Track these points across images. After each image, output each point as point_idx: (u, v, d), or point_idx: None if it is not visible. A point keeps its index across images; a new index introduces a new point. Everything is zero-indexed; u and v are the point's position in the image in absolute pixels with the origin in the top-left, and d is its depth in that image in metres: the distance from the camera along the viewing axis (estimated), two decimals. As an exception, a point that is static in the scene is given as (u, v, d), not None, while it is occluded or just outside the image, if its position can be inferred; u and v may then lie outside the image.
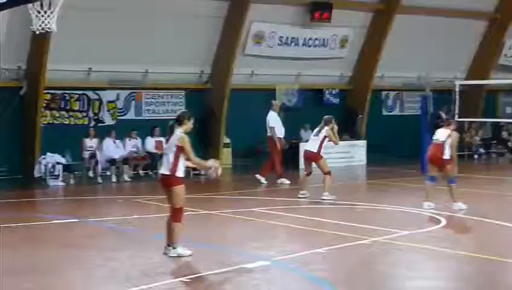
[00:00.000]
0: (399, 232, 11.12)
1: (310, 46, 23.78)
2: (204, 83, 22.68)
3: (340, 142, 23.01)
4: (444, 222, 12.22)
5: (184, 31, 21.15)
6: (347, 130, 24.43)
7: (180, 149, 9.44)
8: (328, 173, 15.27)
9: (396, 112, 26.92)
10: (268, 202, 14.85)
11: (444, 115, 24.00)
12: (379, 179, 19.65)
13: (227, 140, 22.69)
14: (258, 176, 18.33)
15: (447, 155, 13.28)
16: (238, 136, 22.62)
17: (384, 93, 26.64)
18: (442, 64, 25.14)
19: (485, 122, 26.56)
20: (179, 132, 9.55)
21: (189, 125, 9.67)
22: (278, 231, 11.72)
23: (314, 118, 22.51)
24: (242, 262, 9.25)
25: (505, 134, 27.13)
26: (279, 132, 18.46)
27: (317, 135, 15.40)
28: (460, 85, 21.06)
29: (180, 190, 9.51)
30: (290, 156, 22.19)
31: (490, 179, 19.60)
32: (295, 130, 23.33)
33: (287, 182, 18.05)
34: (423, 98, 21.01)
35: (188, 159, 9.55)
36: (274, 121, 18.38)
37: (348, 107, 25.31)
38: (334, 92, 24.97)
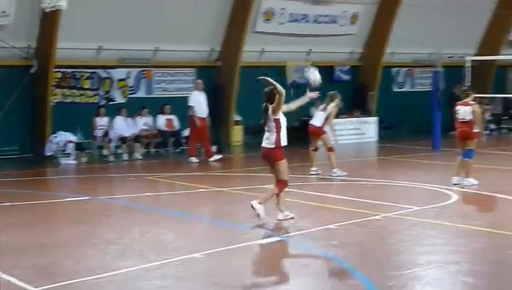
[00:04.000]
0: (410, 208, 11.13)
1: (320, 22, 23.68)
2: (214, 61, 22.65)
3: (352, 118, 23.35)
4: (455, 197, 12.22)
5: (194, 9, 21.11)
6: (358, 107, 24.43)
7: (278, 122, 10.09)
8: (331, 149, 15.32)
9: (407, 88, 26.85)
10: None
11: (457, 93, 23.94)
12: (390, 155, 19.63)
13: (238, 117, 22.71)
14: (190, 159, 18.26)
15: (476, 129, 13.38)
16: (249, 113, 22.59)
17: (394, 69, 26.55)
18: (453, 40, 25.00)
19: (496, 98, 26.45)
20: (271, 107, 10.12)
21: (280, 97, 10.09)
22: (289, 208, 11.73)
23: (325, 95, 22.51)
24: (254, 238, 9.32)
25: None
26: (201, 111, 18.30)
27: (323, 110, 15.45)
28: (472, 61, 20.97)
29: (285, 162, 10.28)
30: (301, 133, 22.21)
31: (501, 154, 19.54)
32: (306, 108, 23.27)
33: (196, 160, 18.02)
34: (434, 74, 20.92)
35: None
36: (194, 100, 18.22)
37: (359, 84, 25.26)
38: (344, 68, 24.91)
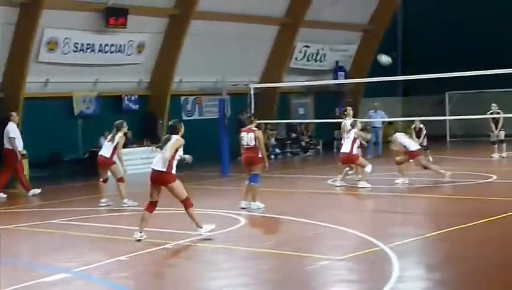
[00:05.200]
0: (200, 235, 11.25)
1: (106, 52, 23.45)
2: (-5, 93, 21.65)
3: (142, 148, 23.28)
4: (243, 221, 12.56)
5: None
6: (148, 136, 24.43)
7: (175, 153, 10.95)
8: (121, 179, 15.17)
9: (195, 116, 27.24)
10: (68, 212, 14.45)
11: (243, 120, 24.72)
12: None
13: (23, 151, 21.76)
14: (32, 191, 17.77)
15: (259, 154, 13.80)
16: (36, 146, 21.82)
17: (183, 98, 26.88)
18: (238, 68, 25.86)
19: (280, 123, 27.64)
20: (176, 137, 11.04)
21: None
22: (78, 242, 11.46)
23: (112, 125, 22.28)
24: (41, 276, 8.95)
25: (294, 134, 28.55)
26: (19, 143, 17.86)
27: (111, 140, 15.28)
28: (255, 88, 21.75)
29: (178, 183, 11.01)
30: (90, 164, 21.89)
31: (285, 177, 20.43)
32: (95, 139, 22.96)
33: (4, 196, 17.58)
34: (220, 102, 21.49)
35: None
36: (14, 132, 17.75)
37: (148, 113, 25.29)
38: (133, 98, 24.81)
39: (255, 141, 13.77)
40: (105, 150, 15.29)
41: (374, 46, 30.77)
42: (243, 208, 13.69)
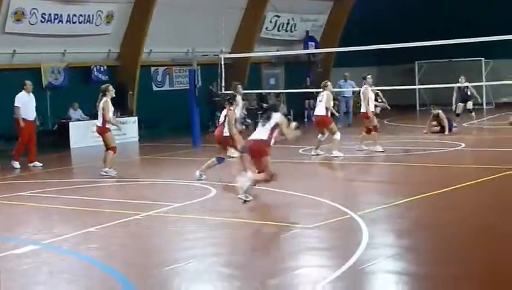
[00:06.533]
0: (172, 205, 11.27)
1: (74, 22, 23.13)
2: (-40, 64, 21.31)
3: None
4: (214, 191, 12.56)
5: None
6: (118, 107, 24.15)
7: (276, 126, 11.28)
8: (112, 148, 15.09)
9: (166, 87, 27.09)
10: (37, 184, 14.35)
11: (214, 90, 24.67)
12: (152, 154, 19.74)
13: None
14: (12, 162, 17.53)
15: (226, 132, 13.56)
16: (3, 118, 21.54)
17: (153, 68, 26.70)
18: (208, 38, 25.68)
19: (251, 93, 27.57)
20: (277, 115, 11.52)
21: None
22: (49, 214, 11.37)
23: (83, 96, 22.06)
24: (9, 249, 8.88)
25: (266, 105, 28.45)
26: (27, 113, 17.56)
27: (99, 108, 15.16)
28: (226, 58, 21.67)
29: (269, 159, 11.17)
30: (59, 135, 21.80)
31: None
32: (64, 110, 22.78)
33: (18, 166, 17.38)
34: (191, 73, 21.36)
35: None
36: (20, 101, 17.46)
37: (118, 84, 24.86)
38: (102, 69, 24.54)
39: (224, 118, 13.61)
40: (98, 119, 15.18)
41: (344, 16, 30.76)
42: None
